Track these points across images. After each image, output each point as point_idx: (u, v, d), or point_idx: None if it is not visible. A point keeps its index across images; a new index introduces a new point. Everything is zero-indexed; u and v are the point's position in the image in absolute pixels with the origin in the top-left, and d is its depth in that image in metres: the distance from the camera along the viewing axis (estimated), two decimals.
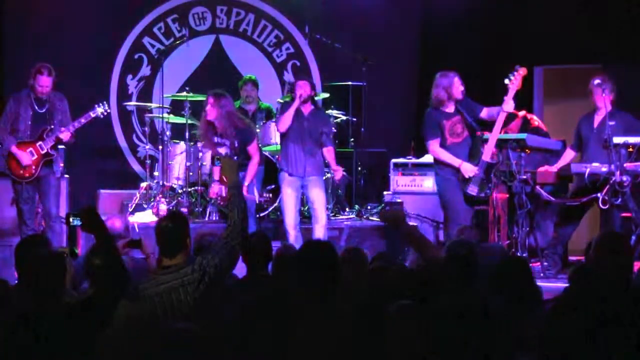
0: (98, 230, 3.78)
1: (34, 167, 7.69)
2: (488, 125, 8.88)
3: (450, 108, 7.64)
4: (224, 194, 8.08)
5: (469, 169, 7.54)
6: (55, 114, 7.77)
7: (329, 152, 8.02)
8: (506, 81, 7.66)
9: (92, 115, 8.08)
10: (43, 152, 7.71)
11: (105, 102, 8.23)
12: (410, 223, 8.85)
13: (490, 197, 7.78)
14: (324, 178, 8.25)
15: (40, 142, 7.71)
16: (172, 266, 4.30)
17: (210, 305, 4.25)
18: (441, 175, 7.67)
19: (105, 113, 8.19)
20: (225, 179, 7.73)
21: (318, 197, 7.91)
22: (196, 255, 4.47)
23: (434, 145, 7.61)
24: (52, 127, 7.73)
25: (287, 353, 3.61)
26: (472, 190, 7.57)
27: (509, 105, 7.63)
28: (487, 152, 7.63)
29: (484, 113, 7.77)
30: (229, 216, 4.46)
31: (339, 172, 8.15)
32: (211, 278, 4.26)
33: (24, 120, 7.70)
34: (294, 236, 7.81)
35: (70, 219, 3.86)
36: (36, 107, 7.72)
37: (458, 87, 7.65)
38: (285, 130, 7.88)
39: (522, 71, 7.68)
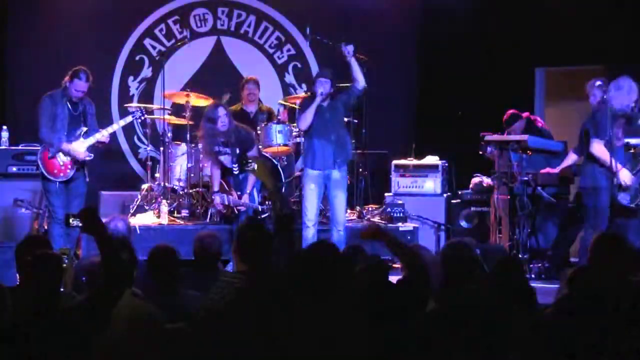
0: (98, 231, 3.78)
1: (69, 168, 7.67)
2: (492, 126, 8.90)
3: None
4: (226, 202, 8.10)
5: (627, 177, 7.26)
6: (87, 117, 7.78)
7: None
8: None
9: (132, 119, 8.22)
10: None
11: (143, 109, 8.41)
12: (412, 224, 8.90)
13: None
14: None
15: (77, 142, 7.69)
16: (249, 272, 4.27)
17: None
18: (595, 180, 7.33)
19: (143, 118, 8.37)
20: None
21: (339, 199, 7.82)
22: (198, 257, 4.46)
23: (600, 144, 7.30)
24: (87, 128, 7.74)
25: (287, 351, 3.62)
26: (624, 198, 7.28)
27: None
28: None
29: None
30: (278, 219, 4.33)
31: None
32: None
33: (61, 120, 7.65)
34: (312, 233, 7.73)
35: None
36: (71, 109, 7.69)
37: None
38: (307, 128, 7.84)
39: None
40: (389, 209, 9.03)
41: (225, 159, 8.06)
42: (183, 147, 9.22)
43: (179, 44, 10.15)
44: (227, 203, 8.10)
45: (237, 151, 8.00)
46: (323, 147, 7.80)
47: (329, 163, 7.80)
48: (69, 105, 7.67)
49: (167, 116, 9.32)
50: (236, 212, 8.13)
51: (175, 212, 8.88)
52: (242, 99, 9.63)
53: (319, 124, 7.82)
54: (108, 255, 3.75)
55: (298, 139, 9.18)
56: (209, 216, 8.68)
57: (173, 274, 4.74)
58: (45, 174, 7.63)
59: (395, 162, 9.56)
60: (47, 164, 7.63)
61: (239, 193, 8.06)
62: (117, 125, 8.24)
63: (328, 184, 7.85)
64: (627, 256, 4.42)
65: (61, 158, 7.64)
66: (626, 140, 7.61)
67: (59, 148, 7.62)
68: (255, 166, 7.88)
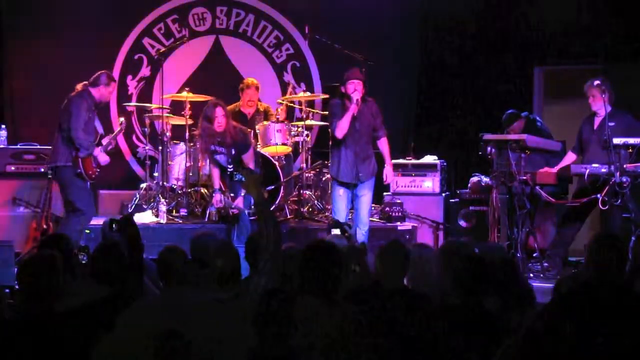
0: (134, 236, 3.90)
1: (98, 171, 7.86)
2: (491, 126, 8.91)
3: None
4: (223, 203, 8.08)
5: None
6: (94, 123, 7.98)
7: (382, 144, 7.81)
8: None
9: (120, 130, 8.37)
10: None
11: (122, 118, 8.48)
12: (410, 224, 8.91)
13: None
14: None
15: (99, 147, 7.88)
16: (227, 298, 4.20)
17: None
18: None
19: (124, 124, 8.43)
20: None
21: (365, 200, 7.74)
22: (195, 258, 4.45)
23: None
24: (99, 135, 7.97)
25: (290, 351, 3.62)
26: None
27: None
28: None
29: None
30: (264, 235, 4.19)
31: (389, 175, 7.92)
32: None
33: (91, 124, 7.83)
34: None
35: (113, 225, 4.33)
36: (89, 113, 7.81)
37: None
38: (343, 137, 7.59)
39: None
40: (387, 208, 9.04)
41: (221, 159, 8.05)
42: (182, 146, 9.22)
43: (178, 43, 10.15)
44: (223, 204, 8.10)
45: (233, 152, 7.99)
46: (349, 159, 7.65)
47: (354, 176, 7.66)
48: (89, 110, 7.79)
49: (165, 115, 9.31)
50: (230, 214, 8.12)
51: (174, 211, 8.89)
52: (241, 101, 9.59)
53: (348, 132, 7.60)
54: (138, 258, 3.83)
55: (297, 138, 9.19)
56: (207, 215, 8.68)
57: (182, 275, 4.71)
58: (83, 174, 7.73)
59: (393, 161, 9.55)
60: (86, 164, 7.76)
61: (232, 195, 8.06)
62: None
63: (357, 184, 7.72)
64: (623, 254, 4.43)
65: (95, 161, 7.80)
66: (624, 139, 7.63)
67: (91, 153, 7.76)
68: (243, 178, 7.84)
